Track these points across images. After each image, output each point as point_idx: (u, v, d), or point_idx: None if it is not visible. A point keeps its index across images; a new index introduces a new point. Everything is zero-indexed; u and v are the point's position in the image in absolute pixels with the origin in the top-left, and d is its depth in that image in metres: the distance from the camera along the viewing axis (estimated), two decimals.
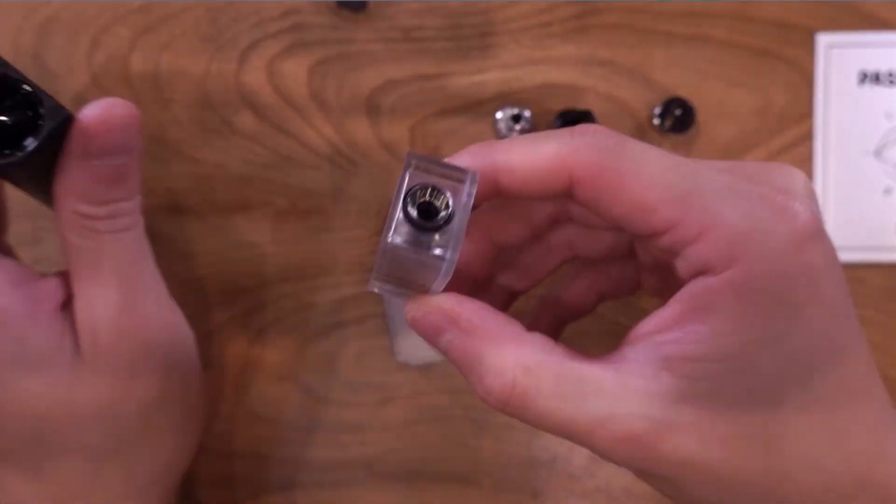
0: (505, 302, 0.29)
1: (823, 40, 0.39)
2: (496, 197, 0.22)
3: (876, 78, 0.39)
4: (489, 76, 0.39)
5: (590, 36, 0.39)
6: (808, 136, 0.39)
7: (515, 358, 0.21)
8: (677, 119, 0.38)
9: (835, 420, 0.21)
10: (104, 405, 0.29)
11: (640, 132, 0.39)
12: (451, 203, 0.20)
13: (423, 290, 0.22)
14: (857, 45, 0.39)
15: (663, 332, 0.21)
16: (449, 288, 0.22)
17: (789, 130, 0.39)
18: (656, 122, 0.38)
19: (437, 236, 0.20)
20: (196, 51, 0.39)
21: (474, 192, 0.20)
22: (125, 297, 0.28)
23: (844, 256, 0.39)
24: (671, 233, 0.20)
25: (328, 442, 0.39)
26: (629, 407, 0.20)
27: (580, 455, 0.38)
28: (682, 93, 0.39)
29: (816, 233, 0.19)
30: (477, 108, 0.39)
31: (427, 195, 0.20)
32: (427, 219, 0.20)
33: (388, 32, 0.39)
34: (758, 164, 0.23)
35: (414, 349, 0.38)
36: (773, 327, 0.19)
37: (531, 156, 0.21)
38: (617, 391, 0.20)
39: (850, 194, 0.39)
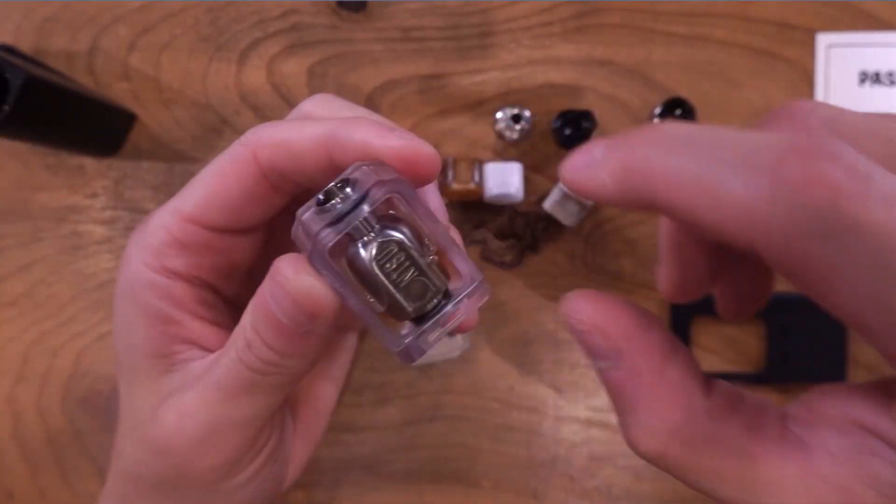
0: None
1: (823, 40, 0.39)
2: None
3: (876, 78, 0.39)
4: (489, 76, 0.39)
5: (590, 36, 0.39)
6: None
7: (673, 424, 0.16)
8: (677, 119, 0.37)
9: None
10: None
11: None
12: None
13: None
14: (857, 44, 0.39)
15: (877, 415, 0.15)
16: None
17: None
18: (656, 122, 0.38)
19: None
20: (196, 51, 0.39)
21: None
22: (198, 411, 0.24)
23: None
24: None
25: (328, 442, 0.39)
26: None
27: (580, 456, 0.38)
28: (682, 93, 0.39)
29: None
30: (477, 108, 0.39)
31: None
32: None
33: (387, 32, 0.39)
34: None
35: None
36: None
37: (707, 197, 0.13)
38: (799, 496, 0.15)
39: None
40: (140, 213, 0.39)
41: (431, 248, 0.20)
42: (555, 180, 0.38)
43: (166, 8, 0.39)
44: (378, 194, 0.18)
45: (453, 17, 0.39)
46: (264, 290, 0.21)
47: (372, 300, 0.20)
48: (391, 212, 0.20)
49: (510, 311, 0.39)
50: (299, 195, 0.24)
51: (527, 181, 0.38)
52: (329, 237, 0.18)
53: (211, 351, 0.24)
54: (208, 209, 0.23)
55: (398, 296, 0.19)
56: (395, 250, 0.19)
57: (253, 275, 0.27)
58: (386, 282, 0.19)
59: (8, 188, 0.39)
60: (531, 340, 0.39)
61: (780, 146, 0.12)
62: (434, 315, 0.20)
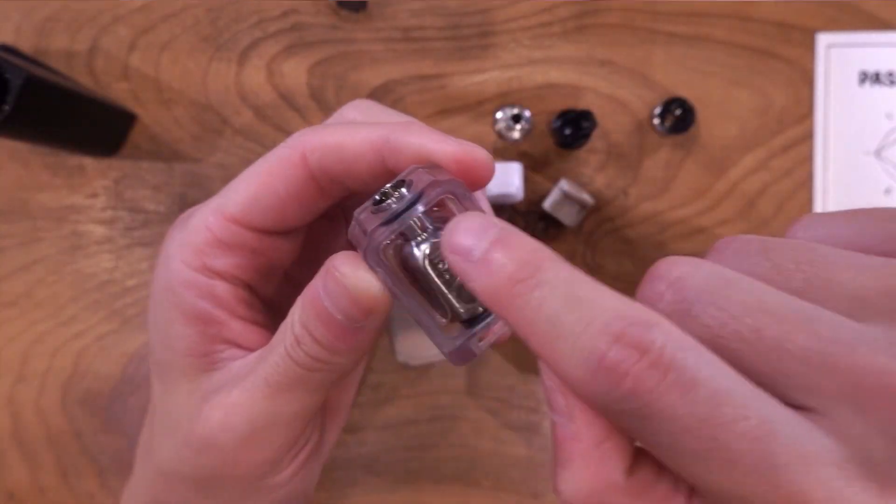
0: None
1: (823, 40, 0.39)
2: None
3: (876, 78, 0.39)
4: (489, 76, 0.39)
5: (590, 36, 0.39)
6: (808, 136, 0.39)
7: (592, 489, 0.18)
8: (677, 119, 0.38)
9: None
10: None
11: (640, 132, 0.39)
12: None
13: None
14: (858, 44, 0.39)
15: None
16: None
17: (789, 130, 0.39)
18: (656, 121, 0.38)
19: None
20: (196, 51, 0.39)
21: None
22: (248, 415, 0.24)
23: None
24: None
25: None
26: None
27: None
28: (682, 93, 0.39)
29: None
30: (477, 108, 0.39)
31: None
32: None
33: (388, 32, 0.39)
34: None
35: (414, 349, 0.38)
36: None
37: (550, 356, 0.16)
38: None
39: (850, 194, 0.39)
40: (140, 213, 0.39)
41: None
42: (555, 180, 0.38)
43: (166, 8, 0.39)
44: (432, 194, 0.19)
45: (453, 17, 0.39)
46: (316, 286, 0.21)
47: (424, 301, 0.20)
48: (446, 215, 0.20)
49: None
50: (344, 199, 0.24)
51: (527, 181, 0.38)
52: (383, 235, 0.19)
53: (251, 350, 0.24)
54: (253, 210, 0.23)
55: (450, 296, 0.20)
56: None
57: (289, 276, 0.28)
58: (438, 282, 0.19)
59: (8, 188, 0.39)
60: None
61: (606, 331, 0.15)
62: (485, 318, 0.20)
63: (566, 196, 0.37)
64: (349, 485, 0.39)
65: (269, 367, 0.22)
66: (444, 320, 0.20)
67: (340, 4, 0.38)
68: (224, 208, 0.23)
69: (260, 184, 0.23)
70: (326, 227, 0.28)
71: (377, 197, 0.19)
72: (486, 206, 0.24)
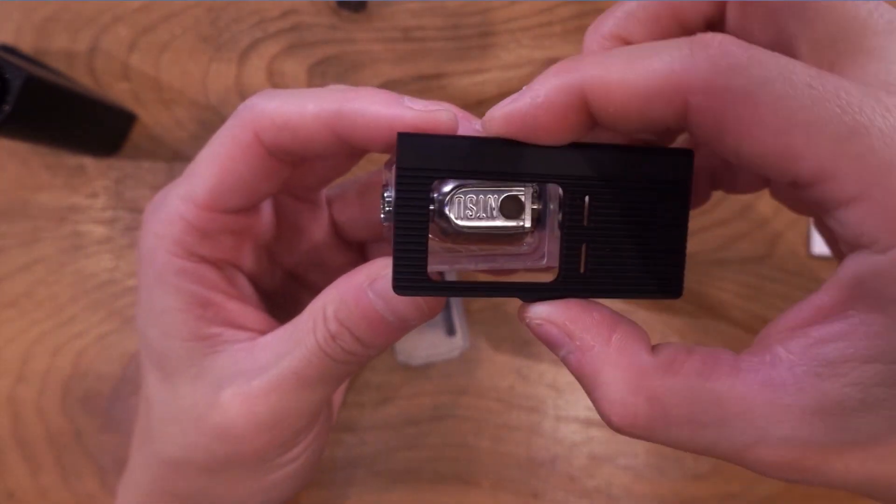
0: None
1: None
2: (586, 127, 0.18)
3: None
4: (489, 76, 0.39)
5: None
6: None
7: (637, 385, 0.18)
8: None
9: None
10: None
11: None
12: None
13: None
14: None
15: (821, 323, 0.16)
16: None
17: None
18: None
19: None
20: (196, 51, 0.39)
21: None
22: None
23: None
24: (819, 187, 0.15)
25: (328, 442, 0.39)
26: (784, 430, 0.17)
27: (580, 455, 0.39)
28: None
29: None
30: (477, 108, 0.39)
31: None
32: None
33: (387, 32, 0.39)
34: None
35: (414, 349, 0.38)
36: None
37: (634, 74, 0.16)
38: (767, 412, 0.17)
39: None
40: (140, 212, 0.39)
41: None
42: None
43: (166, 8, 0.39)
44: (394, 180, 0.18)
45: (453, 17, 0.39)
46: (359, 288, 0.21)
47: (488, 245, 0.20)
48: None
49: (510, 311, 0.39)
50: (321, 182, 0.26)
51: None
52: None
53: (246, 329, 0.25)
54: (222, 195, 0.23)
55: (508, 221, 0.19)
56: (461, 198, 0.19)
57: (273, 258, 0.28)
58: (486, 224, 0.19)
59: (8, 188, 0.39)
60: (531, 340, 0.39)
61: (687, 39, 0.16)
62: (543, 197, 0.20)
63: None
64: (349, 485, 0.39)
65: (299, 361, 0.22)
66: (527, 233, 0.20)
67: (340, 4, 0.38)
68: (194, 197, 0.23)
69: (223, 168, 0.23)
70: (304, 210, 0.28)
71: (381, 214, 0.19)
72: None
